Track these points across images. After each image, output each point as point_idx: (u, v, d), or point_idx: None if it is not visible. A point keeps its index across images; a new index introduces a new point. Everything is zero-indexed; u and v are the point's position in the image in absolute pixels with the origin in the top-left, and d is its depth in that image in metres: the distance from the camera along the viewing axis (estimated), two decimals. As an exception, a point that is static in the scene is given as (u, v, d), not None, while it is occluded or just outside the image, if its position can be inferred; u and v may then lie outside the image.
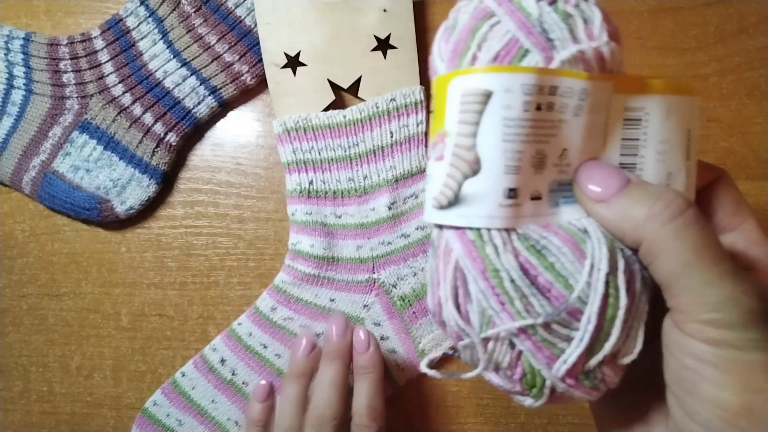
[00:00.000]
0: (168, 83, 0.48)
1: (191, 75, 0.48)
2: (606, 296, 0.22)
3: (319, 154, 0.47)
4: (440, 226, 0.24)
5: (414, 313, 0.48)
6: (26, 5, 0.51)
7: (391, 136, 0.47)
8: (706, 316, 0.20)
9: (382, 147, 0.47)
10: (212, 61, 0.48)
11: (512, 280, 0.22)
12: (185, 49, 0.48)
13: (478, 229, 0.22)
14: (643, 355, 0.23)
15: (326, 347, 0.40)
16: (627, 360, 0.23)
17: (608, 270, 0.22)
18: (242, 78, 0.48)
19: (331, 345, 0.40)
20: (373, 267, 0.48)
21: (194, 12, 0.48)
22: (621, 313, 0.22)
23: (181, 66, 0.48)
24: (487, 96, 0.21)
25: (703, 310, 0.21)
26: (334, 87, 0.47)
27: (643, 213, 0.21)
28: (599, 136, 0.24)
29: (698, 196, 0.25)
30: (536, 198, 0.23)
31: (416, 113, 0.46)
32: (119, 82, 0.49)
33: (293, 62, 0.47)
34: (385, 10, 0.46)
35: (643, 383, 0.25)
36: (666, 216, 0.21)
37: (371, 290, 0.48)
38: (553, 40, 0.22)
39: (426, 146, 0.47)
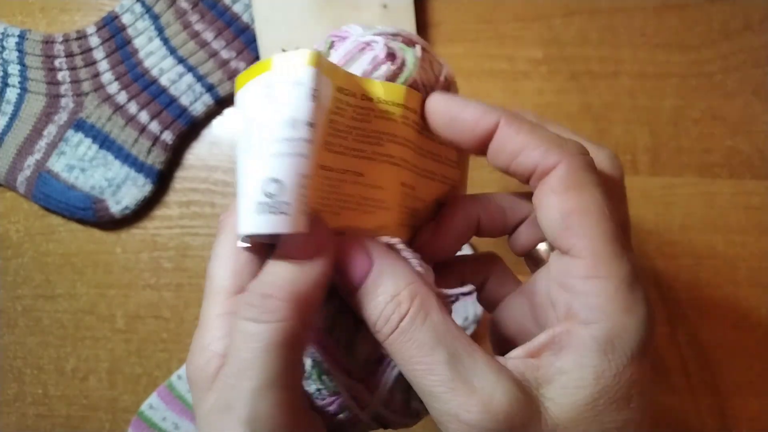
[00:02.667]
0: (164, 81, 0.48)
1: (188, 72, 0.48)
2: None
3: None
4: None
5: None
6: (21, 3, 0.51)
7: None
8: None
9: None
10: (209, 59, 0.48)
11: None
12: (182, 46, 0.48)
13: None
14: None
15: None
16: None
17: None
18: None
19: None
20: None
21: (191, 9, 0.48)
22: None
23: (178, 63, 0.48)
24: None
25: None
26: (333, 85, 0.46)
27: None
28: None
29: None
30: None
31: None
32: (115, 80, 0.48)
33: (291, 59, 0.46)
34: (385, 6, 0.46)
35: None
36: None
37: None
38: None
39: None
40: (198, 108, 0.48)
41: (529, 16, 0.49)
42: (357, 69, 0.22)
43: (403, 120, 0.23)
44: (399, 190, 0.23)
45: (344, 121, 0.22)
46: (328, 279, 0.20)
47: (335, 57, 0.23)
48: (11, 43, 0.48)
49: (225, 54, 0.48)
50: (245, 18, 0.48)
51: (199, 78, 0.48)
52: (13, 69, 0.49)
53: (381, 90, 0.22)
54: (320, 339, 0.23)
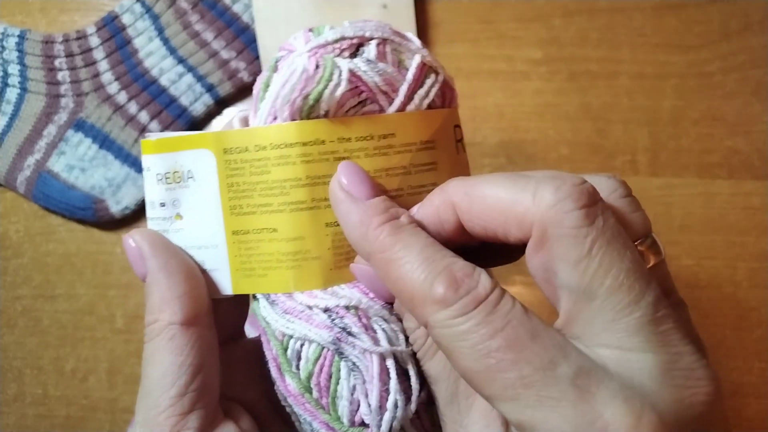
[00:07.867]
0: (164, 81, 0.48)
1: (187, 72, 0.48)
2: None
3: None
4: None
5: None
6: (21, 3, 0.51)
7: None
8: None
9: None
10: (209, 59, 0.48)
11: None
12: (181, 46, 0.48)
13: None
14: None
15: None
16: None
17: None
18: (239, 75, 0.48)
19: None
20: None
21: (191, 9, 0.48)
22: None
23: (178, 63, 0.48)
24: None
25: None
26: (333, 85, 0.46)
27: None
28: None
29: None
30: None
31: None
32: (114, 80, 0.48)
33: (291, 60, 0.46)
34: (385, 6, 0.46)
35: None
36: None
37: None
38: None
39: None
40: (198, 108, 0.48)
41: (529, 16, 0.49)
42: (285, 96, 0.22)
43: (304, 158, 0.21)
44: (323, 233, 0.22)
45: (244, 179, 0.22)
46: None
47: (278, 80, 0.22)
48: (11, 43, 0.48)
49: (225, 54, 0.48)
50: (245, 18, 0.48)
51: (199, 78, 0.48)
52: (13, 69, 0.49)
53: (275, 134, 0.21)
54: None
